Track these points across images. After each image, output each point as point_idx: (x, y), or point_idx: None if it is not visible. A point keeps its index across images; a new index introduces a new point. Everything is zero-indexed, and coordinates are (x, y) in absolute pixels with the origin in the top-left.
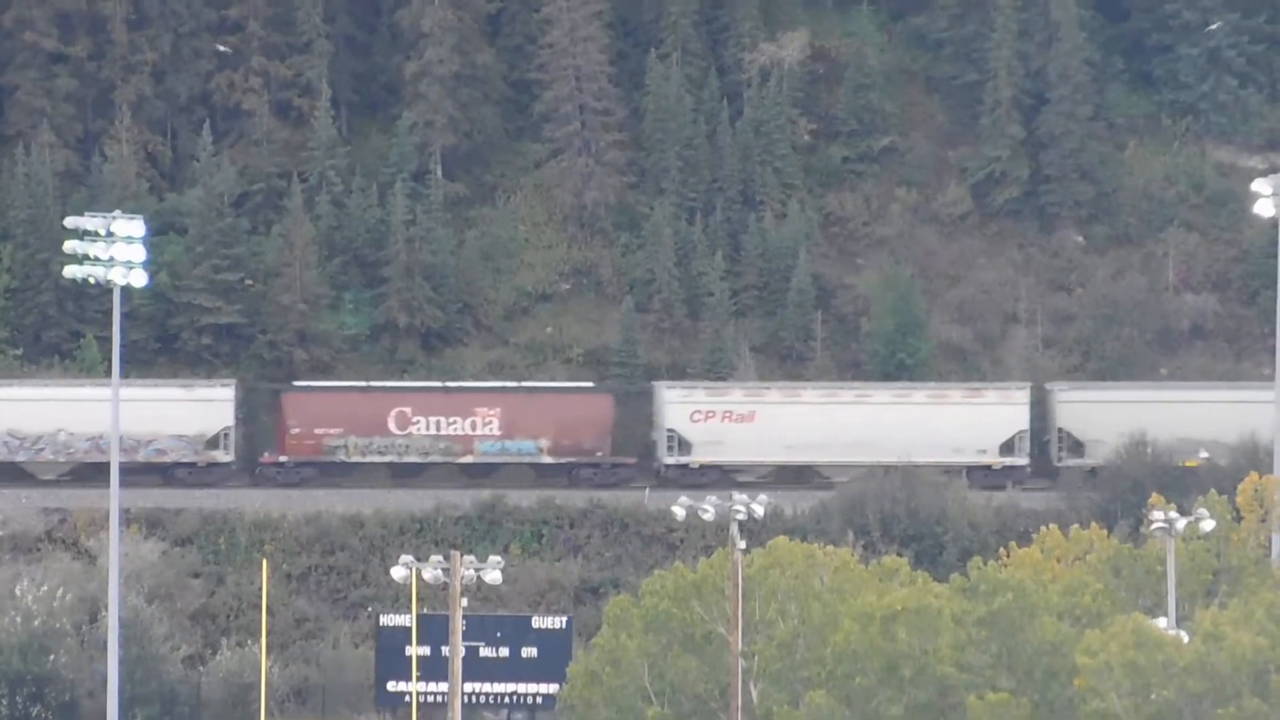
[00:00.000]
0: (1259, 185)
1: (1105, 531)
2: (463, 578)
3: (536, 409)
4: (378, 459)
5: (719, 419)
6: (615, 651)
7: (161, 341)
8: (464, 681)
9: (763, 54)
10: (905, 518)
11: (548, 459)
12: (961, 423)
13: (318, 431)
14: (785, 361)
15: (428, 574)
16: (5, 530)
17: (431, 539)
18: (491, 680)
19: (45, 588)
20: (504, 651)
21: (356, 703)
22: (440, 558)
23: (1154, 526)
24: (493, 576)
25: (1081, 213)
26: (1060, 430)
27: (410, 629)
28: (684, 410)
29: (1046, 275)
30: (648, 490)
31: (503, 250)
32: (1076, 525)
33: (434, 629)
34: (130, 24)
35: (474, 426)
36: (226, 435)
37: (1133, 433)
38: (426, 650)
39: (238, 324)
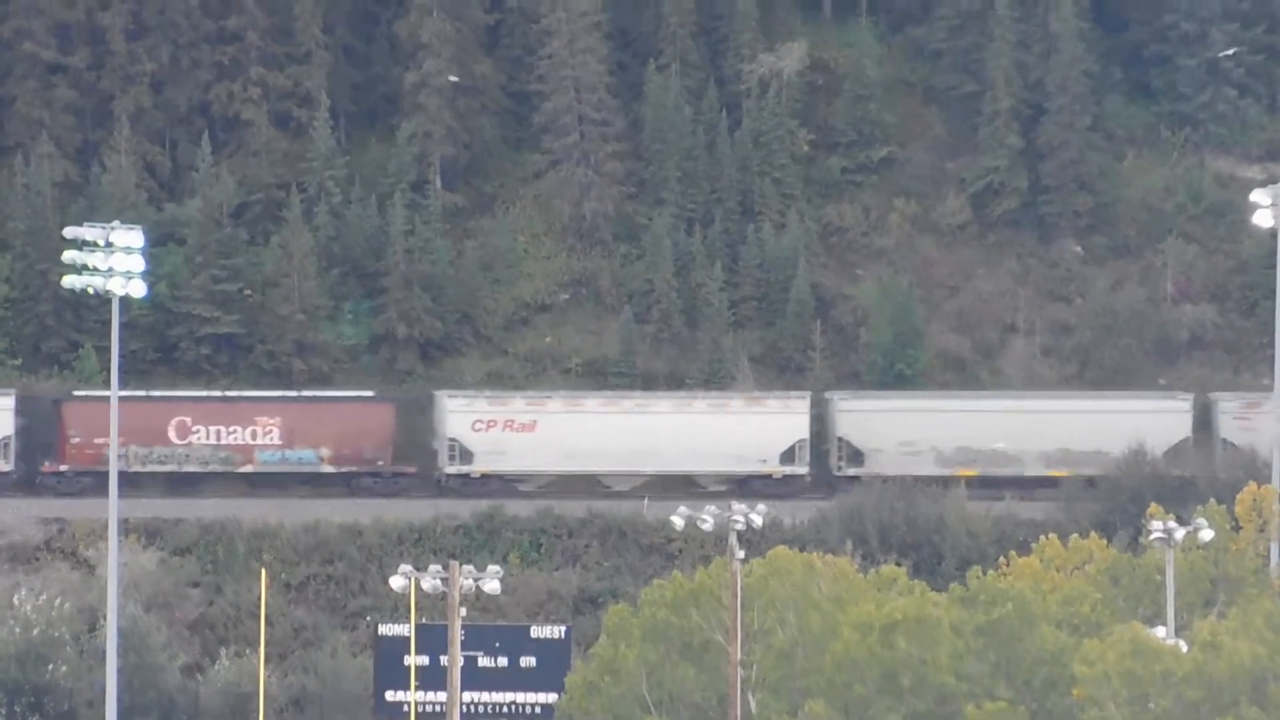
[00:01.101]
0: (1258, 196)
1: (1104, 541)
2: (461, 587)
3: (317, 418)
4: (158, 468)
5: (500, 428)
6: (614, 661)
7: (160, 352)
8: (463, 691)
9: (761, 65)
10: (904, 527)
11: (328, 468)
12: (743, 432)
13: (98, 441)
14: (784, 372)
15: (426, 584)
16: (4, 540)
17: (430, 548)
18: (490, 690)
19: (44, 597)
20: (503, 661)
21: (355, 712)
22: (439, 567)
23: (1153, 536)
24: (491, 586)
25: (1080, 223)
26: (840, 439)
27: (409, 639)
28: (465, 419)
29: (1045, 285)
30: (646, 500)
31: (501, 261)
32: (1075, 535)
33: (433, 639)
34: (129, 34)
35: (254, 436)
36: (6, 444)
37: (907, 441)
38: (425, 660)
39: (236, 334)
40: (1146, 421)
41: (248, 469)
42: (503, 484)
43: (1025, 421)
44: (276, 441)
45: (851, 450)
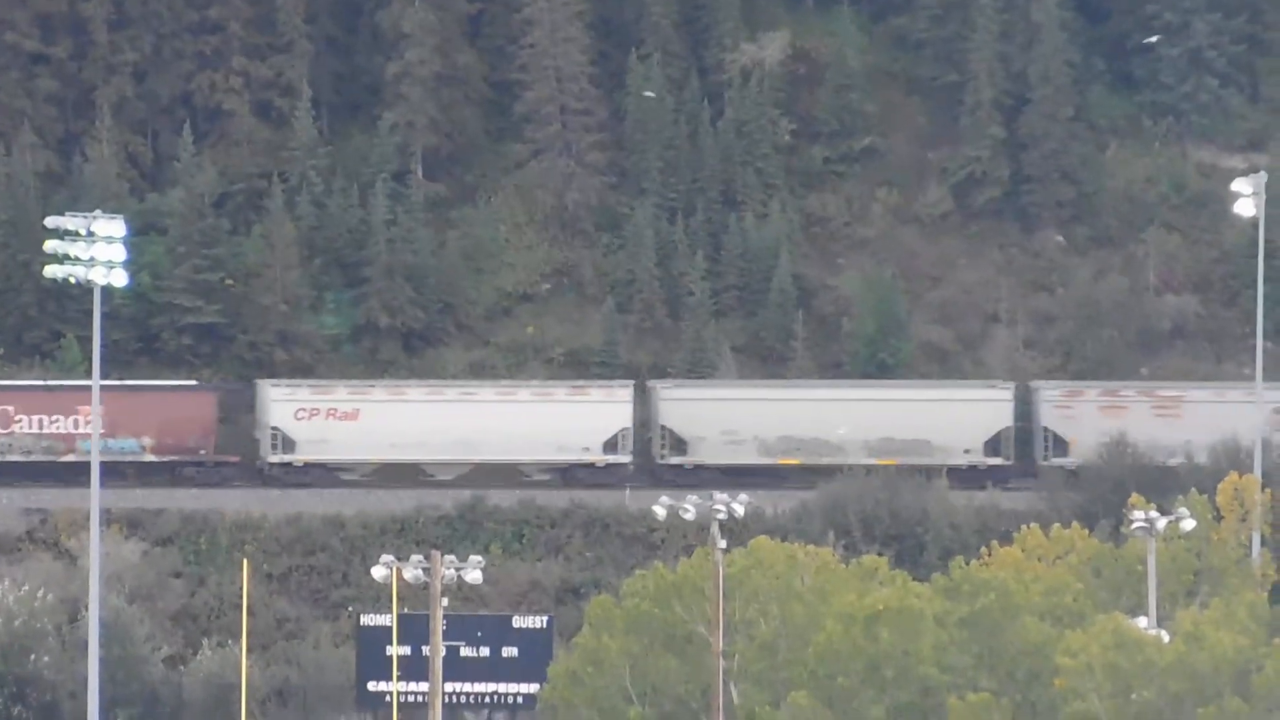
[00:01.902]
0: (1240, 185)
1: (1086, 531)
2: (443, 577)
3: (139, 407)
4: None
5: (323, 417)
6: (597, 652)
7: (142, 342)
8: (445, 681)
9: (743, 55)
10: (886, 518)
11: (151, 457)
12: (566, 421)
13: None
14: (766, 362)
15: (408, 574)
16: None
17: (412, 539)
18: (472, 680)
19: (26, 588)
20: (485, 651)
21: (337, 703)
22: (421, 557)
23: (1135, 526)
24: (473, 576)
25: (1063, 213)
26: (663, 428)
27: (391, 629)
28: (288, 408)
29: (1028, 276)
30: (628, 490)
31: (484, 251)
32: (1058, 525)
33: (415, 629)
34: (111, 25)
35: (76, 425)
36: None
37: (730, 430)
38: (407, 650)
39: (218, 324)
40: (968, 410)
41: (70, 458)
42: (325, 473)
43: (848, 410)
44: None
45: (675, 439)
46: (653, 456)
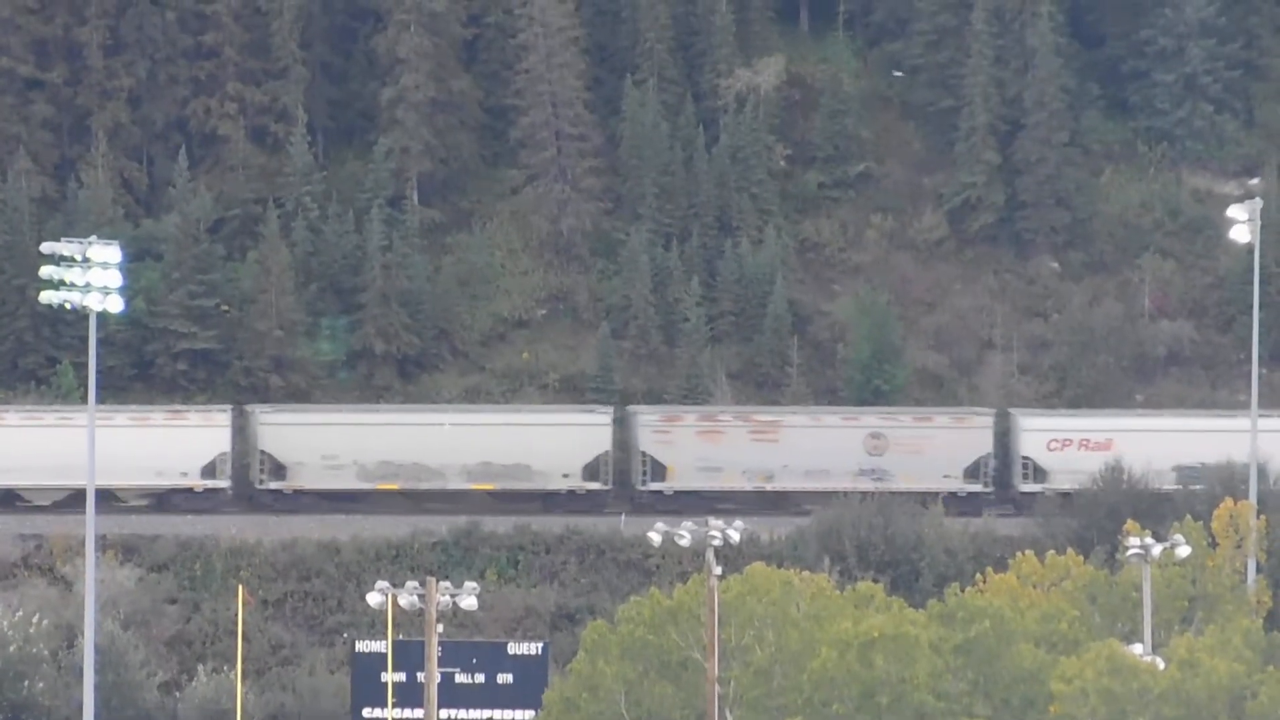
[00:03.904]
0: (1234, 211)
1: (1081, 558)
2: (438, 604)
3: None
4: None
5: None
6: (592, 678)
7: (138, 368)
8: (440, 708)
9: (739, 80)
10: (881, 544)
11: None
12: (164, 445)
13: None
14: (762, 388)
15: (403, 600)
16: None
17: (407, 565)
18: (467, 706)
19: (21, 614)
20: (480, 678)
21: None
22: (416, 584)
23: (1130, 553)
24: (468, 602)
25: (1057, 239)
26: (262, 453)
27: (386, 655)
28: None
29: (1022, 302)
30: (623, 516)
31: (479, 277)
32: (1052, 551)
33: (410, 655)
34: (107, 50)
35: None
36: None
37: (330, 455)
38: (402, 676)
39: (214, 350)
40: (567, 435)
41: None
42: None
43: (447, 435)
44: None
45: (274, 463)
46: (250, 482)
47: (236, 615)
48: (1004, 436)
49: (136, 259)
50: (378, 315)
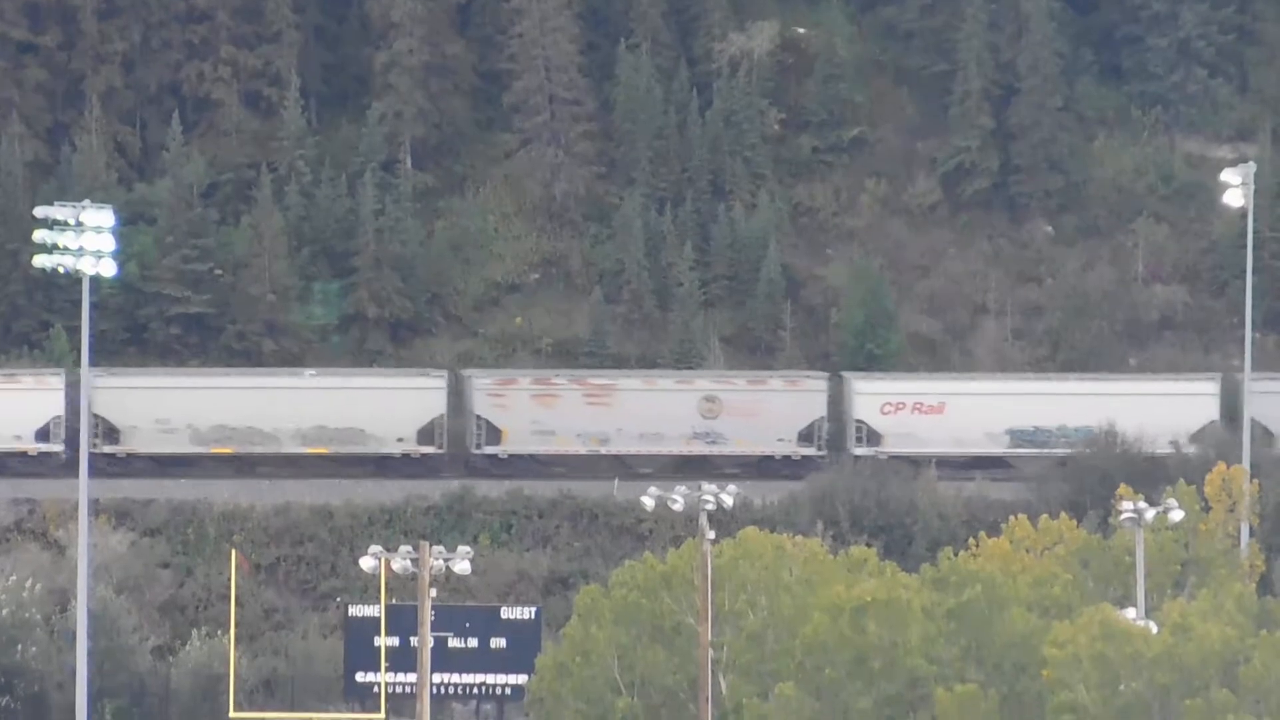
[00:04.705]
0: (1228, 176)
1: (1074, 522)
2: (431, 568)
3: None
4: None
5: None
6: (585, 643)
7: (130, 332)
8: (433, 672)
9: (732, 44)
10: (874, 509)
11: None
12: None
13: None
14: (755, 353)
15: (396, 565)
16: None
17: (400, 530)
18: (460, 671)
19: (14, 579)
20: (473, 642)
21: (325, 694)
22: (409, 548)
23: (1123, 517)
24: (461, 567)
25: (1051, 204)
26: (96, 416)
27: (379, 620)
28: None
29: (1015, 266)
30: (616, 481)
31: (472, 241)
32: (1045, 516)
33: (403, 620)
34: (100, 14)
35: None
36: None
37: (163, 419)
38: (395, 641)
39: (207, 314)
40: (400, 398)
41: None
42: None
43: (281, 399)
44: None
45: (107, 427)
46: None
47: (229, 580)
48: (838, 400)
49: (129, 223)
50: (370, 280)
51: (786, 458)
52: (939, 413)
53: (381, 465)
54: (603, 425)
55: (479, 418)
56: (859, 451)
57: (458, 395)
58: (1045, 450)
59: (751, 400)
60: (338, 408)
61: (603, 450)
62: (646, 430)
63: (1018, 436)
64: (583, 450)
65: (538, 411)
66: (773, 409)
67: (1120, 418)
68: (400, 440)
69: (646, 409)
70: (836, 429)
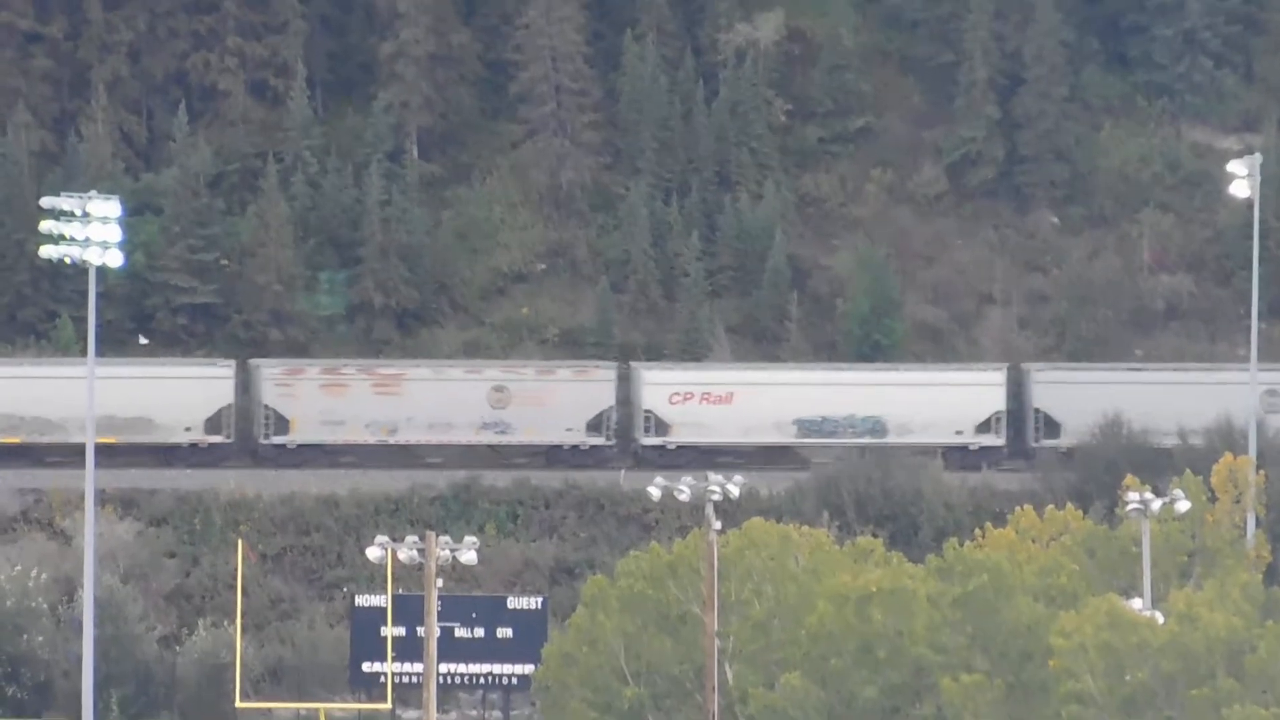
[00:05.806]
0: (1234, 166)
1: (1080, 512)
2: (438, 558)
3: None
4: None
5: None
6: (591, 632)
7: (137, 321)
8: (439, 662)
9: (738, 34)
10: (880, 498)
11: None
12: None
13: None
14: (761, 342)
15: (403, 554)
16: None
17: (407, 519)
18: (467, 661)
19: (20, 567)
20: (479, 632)
21: (331, 683)
22: (415, 538)
23: (1129, 507)
24: (468, 557)
25: (1057, 193)
26: None
27: (385, 609)
28: None
29: (1021, 256)
30: (623, 471)
31: (478, 230)
32: (1051, 506)
33: (409, 609)
34: (106, 3)
35: None
36: None
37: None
38: (402, 631)
39: (213, 304)
40: (187, 387)
41: None
42: None
43: (69, 388)
44: None
45: None
46: None
47: (235, 569)
48: (627, 389)
49: (136, 213)
50: (377, 269)
51: (575, 447)
52: (727, 403)
53: (169, 455)
54: (392, 415)
55: (267, 407)
56: (647, 441)
57: (246, 385)
58: (833, 440)
59: (539, 390)
60: (126, 397)
61: (391, 440)
62: (436, 420)
63: (805, 426)
64: (371, 440)
65: (326, 401)
66: (561, 399)
67: (907, 408)
68: (188, 430)
69: (435, 399)
70: (626, 418)
